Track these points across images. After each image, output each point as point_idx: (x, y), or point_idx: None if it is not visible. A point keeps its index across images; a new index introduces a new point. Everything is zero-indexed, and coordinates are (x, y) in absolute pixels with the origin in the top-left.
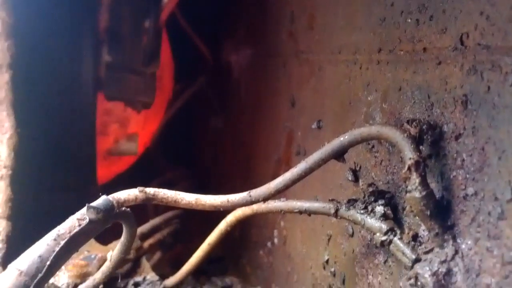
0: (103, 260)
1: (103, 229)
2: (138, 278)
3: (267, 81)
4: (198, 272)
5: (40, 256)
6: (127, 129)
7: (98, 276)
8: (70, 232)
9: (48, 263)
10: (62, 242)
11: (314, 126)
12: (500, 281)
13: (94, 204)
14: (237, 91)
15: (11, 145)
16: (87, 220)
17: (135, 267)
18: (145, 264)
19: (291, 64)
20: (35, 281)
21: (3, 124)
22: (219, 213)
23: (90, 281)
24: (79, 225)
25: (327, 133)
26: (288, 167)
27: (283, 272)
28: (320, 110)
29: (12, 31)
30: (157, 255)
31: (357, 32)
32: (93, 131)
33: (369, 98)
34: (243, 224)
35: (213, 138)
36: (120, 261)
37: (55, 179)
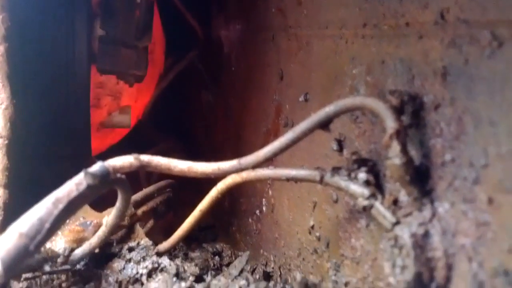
0: (98, 226)
1: (99, 194)
2: (132, 243)
3: (257, 55)
4: (190, 239)
5: (39, 219)
6: (120, 102)
7: (94, 240)
8: (68, 196)
9: (47, 225)
10: (61, 206)
11: (301, 99)
12: (474, 242)
13: (91, 170)
14: (227, 65)
15: (6, 116)
16: (85, 185)
17: (129, 233)
18: (139, 230)
19: (280, 39)
20: (35, 242)
21: None
22: (209, 184)
23: (86, 245)
24: (77, 189)
25: (314, 106)
26: (276, 138)
27: (271, 238)
28: (307, 83)
29: (6, 4)
30: (150, 223)
31: (343, 8)
32: (87, 104)
33: (354, 72)
34: (232, 194)
35: (204, 111)
36: (115, 226)
37: (50, 150)
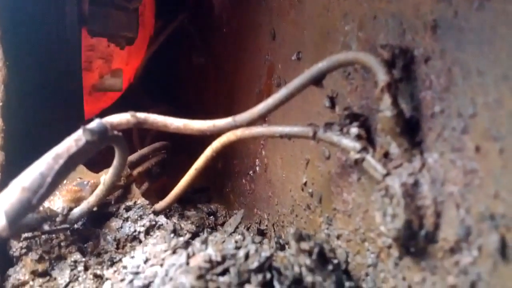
0: (95, 186)
1: (97, 151)
2: (129, 203)
3: (248, 15)
4: (184, 201)
5: (41, 174)
6: (111, 65)
7: (92, 199)
8: (68, 152)
9: (48, 180)
10: (61, 161)
11: (294, 57)
12: (462, 189)
13: (89, 126)
14: (218, 27)
15: (0, 78)
16: (83, 141)
17: (125, 194)
18: (135, 191)
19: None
20: (37, 196)
21: None
22: (202, 147)
23: (85, 204)
24: (76, 145)
25: (307, 64)
26: (269, 96)
27: (265, 197)
28: (299, 42)
29: None
30: (144, 186)
31: None
32: (79, 67)
33: (346, 28)
34: (225, 156)
35: (195, 74)
36: (113, 184)
37: (44, 113)
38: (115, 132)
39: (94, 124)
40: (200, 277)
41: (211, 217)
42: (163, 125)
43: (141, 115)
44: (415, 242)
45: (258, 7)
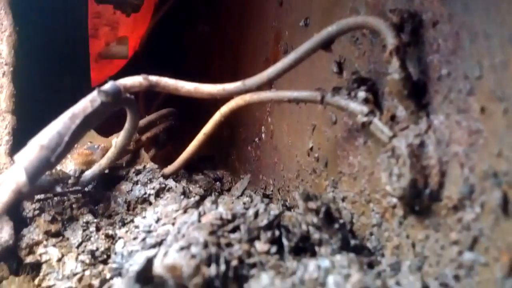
0: (106, 149)
1: (111, 112)
2: (138, 167)
3: None
4: (191, 168)
5: (58, 132)
6: (117, 32)
7: (103, 161)
8: (84, 112)
9: (66, 138)
10: (77, 121)
11: (301, 23)
12: (466, 149)
13: (103, 88)
14: None
15: (10, 43)
16: (98, 101)
17: (135, 158)
18: (144, 155)
19: None
20: (55, 154)
21: (2, 22)
22: (209, 115)
23: (96, 166)
24: (92, 106)
25: (314, 30)
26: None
27: (270, 163)
28: (307, 7)
29: None
30: (151, 152)
31: None
32: (86, 34)
33: None
34: (231, 124)
35: (200, 42)
36: (124, 147)
37: (52, 78)
38: (128, 95)
39: (108, 85)
40: (212, 233)
41: (217, 183)
42: (174, 88)
43: (153, 78)
44: (419, 200)
45: None
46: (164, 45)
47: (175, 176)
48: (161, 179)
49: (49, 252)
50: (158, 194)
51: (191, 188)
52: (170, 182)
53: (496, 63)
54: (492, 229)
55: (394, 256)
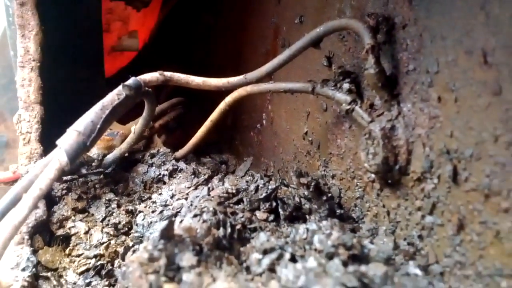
0: (124, 136)
1: (133, 104)
2: (153, 151)
3: None
4: (199, 152)
5: (92, 121)
6: (128, 26)
7: (124, 146)
8: (112, 104)
9: (98, 126)
10: (107, 111)
11: (297, 21)
12: (428, 131)
13: (127, 83)
14: None
15: (37, 41)
16: (124, 95)
17: (149, 143)
18: (157, 140)
19: None
20: (90, 139)
21: (29, 22)
22: (213, 105)
23: (117, 150)
24: (118, 98)
25: (308, 27)
26: (274, 56)
27: (270, 147)
28: (302, 6)
29: None
30: (162, 138)
31: None
32: (100, 29)
33: None
34: (234, 112)
35: (204, 33)
36: (142, 133)
37: (70, 71)
38: (147, 88)
39: (131, 81)
40: (220, 203)
41: (223, 165)
42: (186, 82)
43: (168, 74)
44: (391, 175)
45: None
46: (171, 36)
47: (185, 159)
48: (173, 161)
49: (77, 226)
50: (171, 174)
51: (200, 169)
52: (181, 164)
53: (449, 60)
54: (445, 196)
55: (373, 223)
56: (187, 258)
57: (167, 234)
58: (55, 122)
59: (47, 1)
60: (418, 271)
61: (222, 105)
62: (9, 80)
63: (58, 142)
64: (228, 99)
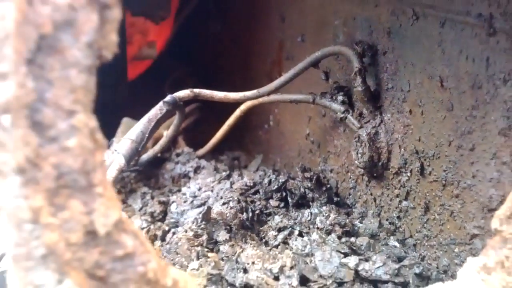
0: (156, 139)
1: (171, 116)
2: (178, 151)
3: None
4: (214, 150)
5: (141, 131)
6: (147, 37)
7: (157, 148)
8: (156, 117)
9: (146, 135)
10: (152, 123)
11: (299, 39)
12: (402, 136)
13: (166, 100)
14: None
15: None
16: (164, 109)
17: (174, 144)
18: (181, 142)
19: None
20: (141, 145)
21: None
22: (224, 110)
23: (151, 151)
24: (160, 112)
25: (308, 45)
26: (279, 68)
27: (277, 145)
28: (303, 27)
29: None
30: (184, 139)
31: None
32: (124, 42)
33: (336, 22)
34: (245, 113)
35: (213, 40)
36: (173, 138)
37: (100, 80)
38: (180, 103)
39: (169, 98)
40: (242, 194)
41: (236, 161)
42: (210, 96)
43: (196, 90)
44: (376, 169)
45: None
46: (184, 44)
47: (205, 157)
48: (196, 159)
49: None
50: (195, 171)
51: (219, 166)
52: (203, 162)
53: (417, 82)
54: (416, 186)
55: (363, 208)
56: (221, 235)
57: (206, 217)
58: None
59: None
60: (397, 244)
61: (237, 112)
62: None
63: (116, 148)
64: (243, 107)
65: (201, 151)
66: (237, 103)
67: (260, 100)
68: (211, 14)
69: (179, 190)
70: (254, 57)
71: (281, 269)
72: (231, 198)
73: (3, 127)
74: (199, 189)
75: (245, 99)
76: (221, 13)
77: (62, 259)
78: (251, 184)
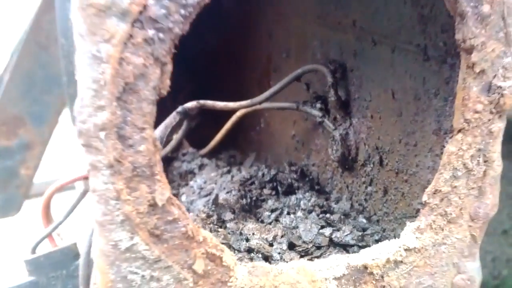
0: (167, 141)
1: (182, 123)
2: (184, 151)
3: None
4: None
5: (160, 136)
6: None
7: (167, 149)
8: (171, 124)
9: (164, 139)
10: (169, 129)
11: (284, 55)
12: (366, 136)
13: (177, 110)
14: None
15: None
16: (177, 118)
17: (180, 145)
18: (186, 143)
19: (267, 8)
20: (161, 145)
21: None
22: (220, 115)
23: (163, 152)
24: (174, 120)
25: (292, 60)
26: (268, 78)
27: (267, 144)
28: (288, 44)
29: None
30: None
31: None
32: None
33: (314, 43)
34: (240, 118)
35: (209, 53)
36: (181, 140)
37: None
38: (190, 112)
39: (180, 109)
40: (241, 185)
41: (232, 158)
42: (212, 106)
43: (202, 101)
44: (347, 163)
45: (259, 14)
46: (184, 58)
47: (207, 155)
48: (200, 158)
49: None
50: (200, 167)
51: (219, 163)
52: (206, 160)
53: (376, 94)
54: (377, 174)
55: (339, 193)
56: (227, 215)
57: (215, 202)
58: None
59: None
60: (364, 220)
61: (234, 118)
62: (28, 87)
63: None
64: (238, 113)
65: (203, 151)
66: (234, 111)
67: (253, 107)
68: (207, 29)
69: (187, 184)
70: (245, 68)
71: (274, 238)
72: (232, 188)
73: (100, 139)
74: (205, 182)
75: (241, 107)
76: (216, 29)
77: (133, 223)
78: (248, 177)
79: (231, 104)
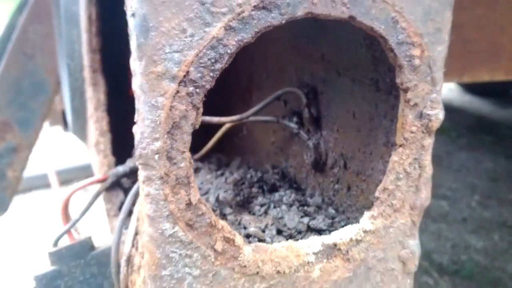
0: None
1: None
2: None
3: None
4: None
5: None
6: None
7: None
8: None
9: None
10: None
11: (264, 76)
12: (333, 145)
13: None
14: None
15: (104, 91)
16: None
17: None
18: None
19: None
20: None
21: (99, 82)
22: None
23: None
24: None
25: (271, 80)
26: (250, 94)
27: (250, 150)
28: (267, 67)
29: None
30: None
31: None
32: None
33: (290, 68)
34: (229, 129)
35: None
36: None
37: (118, 105)
38: None
39: None
40: (235, 185)
41: (219, 161)
42: (209, 120)
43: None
44: (319, 166)
45: None
46: None
47: (200, 160)
48: (194, 162)
49: None
50: (195, 171)
51: (211, 167)
52: (199, 164)
53: (340, 113)
54: (342, 175)
55: (313, 191)
56: (227, 210)
57: (217, 200)
58: (118, 141)
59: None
60: (333, 211)
61: (224, 128)
62: (14, 94)
63: None
64: (227, 125)
65: (198, 155)
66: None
67: (241, 120)
68: None
69: None
70: (232, 83)
71: (266, 226)
72: (228, 188)
73: (155, 160)
74: (201, 183)
75: (232, 121)
76: None
77: (175, 216)
78: (239, 178)
79: (224, 119)
